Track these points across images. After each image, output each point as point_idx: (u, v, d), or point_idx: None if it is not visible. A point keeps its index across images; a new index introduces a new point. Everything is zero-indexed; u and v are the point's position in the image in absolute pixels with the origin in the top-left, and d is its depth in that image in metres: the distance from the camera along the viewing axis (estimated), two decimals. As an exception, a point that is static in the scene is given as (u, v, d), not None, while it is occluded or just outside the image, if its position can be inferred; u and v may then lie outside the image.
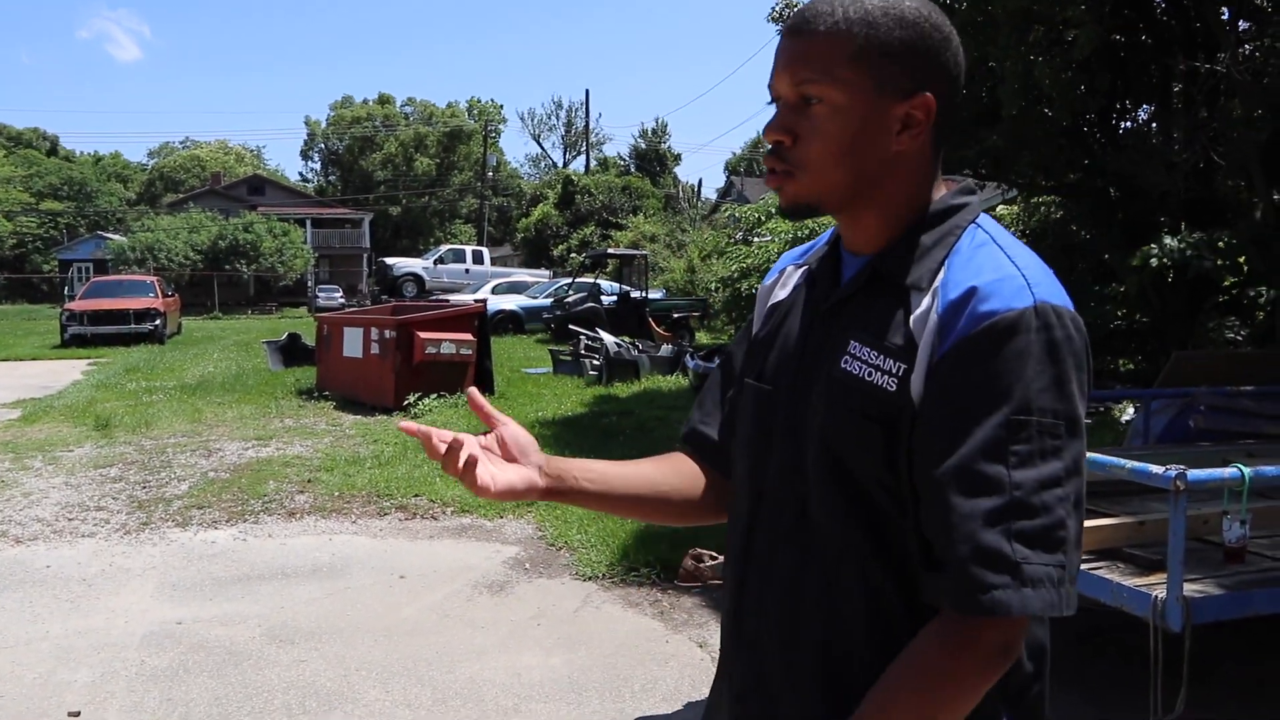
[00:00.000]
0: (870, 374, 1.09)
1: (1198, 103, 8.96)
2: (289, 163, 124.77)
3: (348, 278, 47.78)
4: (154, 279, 25.28)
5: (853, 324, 1.14)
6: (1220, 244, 7.63)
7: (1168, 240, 7.68)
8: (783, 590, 1.17)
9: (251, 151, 75.62)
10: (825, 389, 1.13)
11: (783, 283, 1.32)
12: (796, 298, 1.26)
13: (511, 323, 23.75)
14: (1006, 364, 1.01)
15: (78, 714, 3.61)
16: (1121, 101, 9.94)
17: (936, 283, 1.09)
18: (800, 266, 1.31)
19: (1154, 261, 7.65)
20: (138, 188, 68.10)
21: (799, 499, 1.15)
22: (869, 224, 1.16)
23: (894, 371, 1.07)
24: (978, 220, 1.15)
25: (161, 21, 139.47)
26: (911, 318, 1.09)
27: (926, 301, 1.08)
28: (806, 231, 13.44)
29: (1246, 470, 3.07)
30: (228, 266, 40.39)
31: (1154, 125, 9.99)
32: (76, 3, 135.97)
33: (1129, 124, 10.33)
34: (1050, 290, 1.06)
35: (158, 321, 21.62)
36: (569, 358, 14.66)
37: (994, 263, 1.08)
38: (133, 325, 21.24)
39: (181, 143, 76.56)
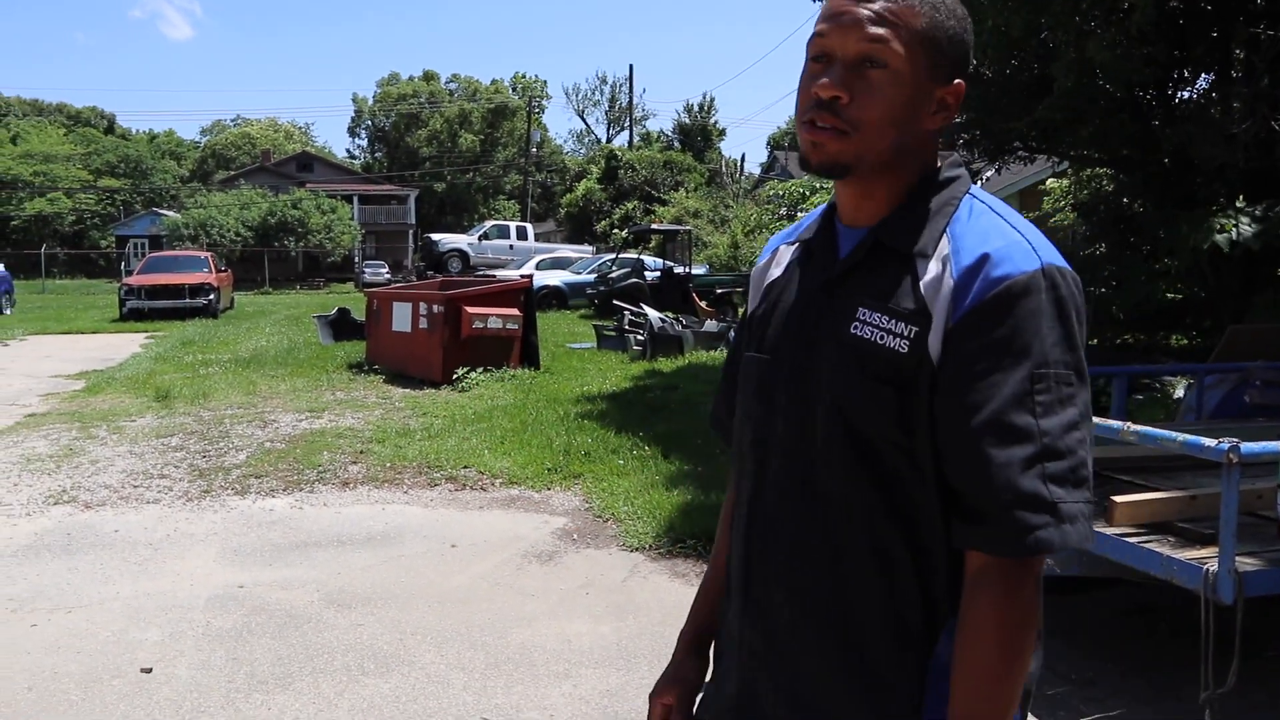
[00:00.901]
0: (882, 338, 1.15)
1: (1259, 71, 8.74)
2: (336, 140, 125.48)
3: (394, 253, 48.19)
4: (208, 255, 25.74)
5: (859, 291, 1.19)
6: (1269, 216, 7.46)
7: (1238, 220, 7.49)
8: (789, 553, 1.22)
9: (300, 129, 76.33)
10: (835, 354, 1.18)
11: (776, 261, 1.38)
12: (791, 274, 1.32)
13: (555, 298, 23.84)
14: (1023, 322, 1.09)
15: (150, 670, 3.77)
16: (1179, 71, 9.72)
17: (945, 251, 1.15)
18: (792, 244, 1.36)
19: (1220, 239, 7.50)
20: (191, 165, 69.15)
21: (805, 464, 1.20)
22: (879, 196, 1.22)
23: (905, 334, 1.14)
24: (971, 191, 1.22)
25: (213, 0, 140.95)
26: (921, 283, 1.15)
27: (935, 268, 1.15)
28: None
29: (1301, 444, 3.04)
30: (277, 243, 40.93)
31: (1213, 95, 9.76)
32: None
33: (1187, 94, 10.10)
34: (1052, 253, 1.15)
35: (211, 296, 22.05)
36: (613, 333, 14.71)
37: (999, 230, 1.16)
38: (188, 300, 21.71)
39: (233, 120, 77.39)
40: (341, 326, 15.70)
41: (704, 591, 1.51)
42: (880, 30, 1.14)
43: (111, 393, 10.68)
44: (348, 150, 72.04)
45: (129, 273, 27.19)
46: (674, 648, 1.51)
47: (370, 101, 66.66)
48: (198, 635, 4.14)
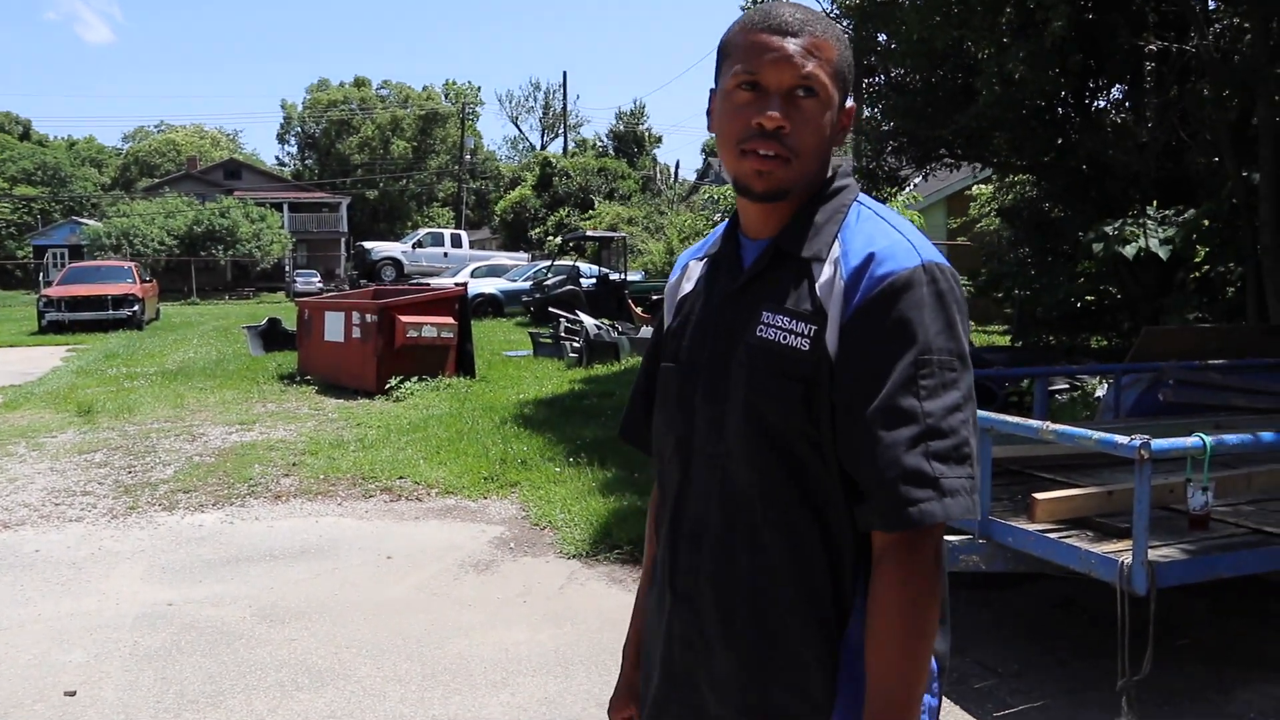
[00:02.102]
0: (785, 337, 1.24)
1: (1169, 82, 9.07)
2: (265, 147, 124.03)
3: (326, 262, 47.50)
4: (131, 265, 25.07)
5: (762, 297, 1.28)
6: (1186, 221, 7.74)
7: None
8: (712, 547, 1.30)
9: (227, 135, 74.83)
10: (744, 356, 1.27)
11: (687, 277, 1.46)
12: (701, 287, 1.41)
13: (491, 306, 23.73)
14: (907, 314, 1.19)
15: (74, 693, 3.68)
16: (1095, 81, 10.04)
17: (836, 254, 1.25)
18: (701, 260, 1.45)
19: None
20: (112, 172, 67.31)
21: (723, 462, 1.29)
22: (784, 210, 1.31)
23: (806, 333, 1.23)
24: (859, 198, 1.32)
25: (132, 2, 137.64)
26: (817, 285, 1.24)
27: (828, 270, 1.25)
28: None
29: (1208, 439, 3.18)
30: (204, 252, 40.09)
31: (1126, 105, 10.11)
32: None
33: (1102, 103, 10.44)
34: (931, 251, 1.24)
35: (136, 307, 21.49)
36: (549, 340, 14.70)
37: (883, 232, 1.26)
38: (111, 311, 21.13)
39: (156, 127, 75.65)
40: (272, 337, 15.45)
41: (640, 600, 1.57)
42: (810, 63, 1.24)
43: (30, 408, 10.37)
44: (277, 158, 70.97)
45: (48, 284, 26.39)
46: (620, 660, 1.58)
47: (300, 108, 65.63)
48: (124, 656, 4.05)
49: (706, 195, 25.67)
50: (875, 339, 1.19)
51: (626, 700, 1.54)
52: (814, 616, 1.24)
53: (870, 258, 1.22)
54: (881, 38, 10.19)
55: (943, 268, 1.23)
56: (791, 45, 1.24)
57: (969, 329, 1.25)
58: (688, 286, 1.44)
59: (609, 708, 1.56)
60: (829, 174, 1.34)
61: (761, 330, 1.26)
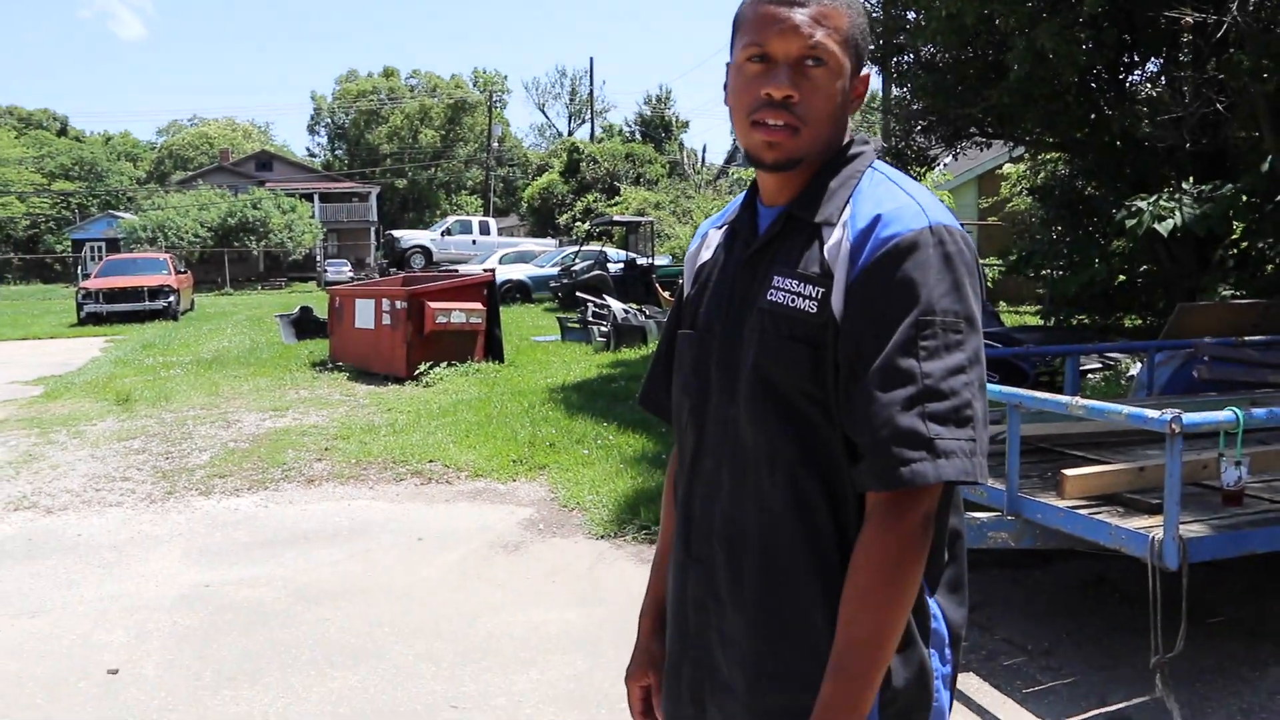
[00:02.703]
0: (793, 300, 1.24)
1: (1205, 55, 8.90)
2: (296, 138, 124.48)
3: (356, 251, 47.81)
4: (167, 256, 25.39)
5: (774, 262, 1.29)
6: (1222, 196, 7.59)
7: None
8: (725, 507, 1.31)
9: (259, 128, 75.48)
10: (756, 321, 1.28)
11: (706, 245, 1.48)
12: (719, 255, 1.42)
13: (519, 292, 23.81)
14: (910, 275, 1.19)
15: (116, 671, 3.76)
16: (1129, 56, 9.87)
17: (845, 217, 1.25)
18: (720, 229, 1.46)
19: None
20: (147, 166, 68.08)
21: (734, 425, 1.30)
22: (801, 177, 1.31)
23: (814, 295, 1.23)
24: (874, 164, 1.31)
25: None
26: (825, 248, 1.25)
27: (837, 234, 1.25)
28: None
29: (1240, 413, 3.14)
30: (237, 243, 40.46)
31: (1161, 79, 9.93)
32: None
33: (1136, 78, 10.27)
34: (941, 213, 1.24)
35: (171, 298, 21.78)
36: (577, 325, 14.74)
37: (891, 195, 1.26)
38: (147, 303, 21.42)
39: (189, 120, 76.32)
40: (304, 325, 15.59)
41: (656, 568, 1.58)
42: (818, 32, 1.25)
43: (71, 398, 10.55)
44: (307, 149, 71.52)
45: (86, 276, 26.78)
46: (638, 629, 1.58)
47: (329, 99, 66.03)
48: (164, 635, 4.13)
49: (736, 177, 25.56)
50: (878, 300, 1.19)
51: (645, 668, 1.54)
52: (821, 578, 1.24)
53: (877, 220, 1.22)
54: (911, 15, 10.08)
55: (952, 230, 1.22)
56: (799, 15, 1.25)
57: (981, 293, 1.24)
58: (706, 255, 1.46)
59: (626, 676, 1.57)
60: (845, 140, 1.33)
61: (772, 294, 1.27)
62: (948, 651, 1.29)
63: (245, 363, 13.01)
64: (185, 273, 25.68)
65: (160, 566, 5.02)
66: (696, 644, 1.36)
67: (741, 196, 1.44)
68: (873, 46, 10.48)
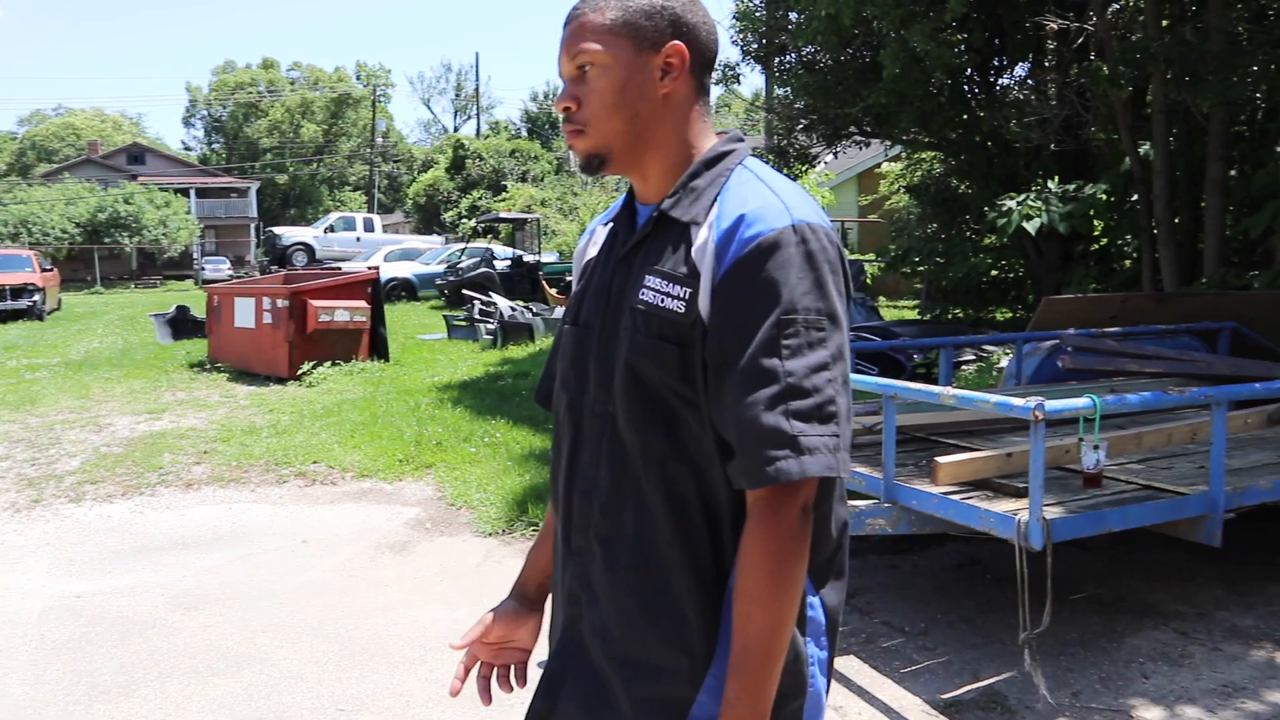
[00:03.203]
0: (663, 300, 1.27)
1: (1068, 60, 9.36)
2: (170, 131, 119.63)
3: (235, 248, 46.26)
4: (30, 253, 24.13)
5: (646, 262, 1.32)
6: (1085, 197, 7.99)
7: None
8: (602, 502, 1.33)
9: (130, 119, 72.15)
10: (629, 319, 1.30)
11: (593, 241, 1.50)
12: (603, 252, 1.45)
13: (405, 290, 23.46)
14: (772, 275, 1.21)
15: (-24, 688, 3.57)
16: (998, 59, 10.30)
17: (711, 217, 1.28)
18: (607, 225, 1.49)
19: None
20: (8, 158, 64.33)
21: (610, 420, 1.32)
22: (653, 173, 1.36)
23: (681, 296, 1.26)
24: (743, 161, 1.34)
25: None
26: (693, 249, 1.27)
27: (704, 234, 1.27)
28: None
29: (1098, 400, 3.32)
30: (108, 239, 38.73)
31: (1028, 82, 10.39)
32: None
33: (1006, 81, 10.72)
34: (806, 211, 1.25)
35: (36, 298, 20.79)
36: (463, 323, 14.61)
37: (757, 193, 1.28)
38: (9, 302, 20.41)
39: (54, 110, 72.56)
40: (181, 325, 15.06)
41: (531, 550, 1.62)
42: (579, 44, 1.31)
43: (-76, 403, 9.95)
44: (183, 142, 68.74)
45: (-59, 275, 25.24)
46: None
47: (205, 90, 63.74)
48: (31, 649, 3.94)
49: (619, 175, 25.65)
50: (742, 299, 1.21)
51: (492, 627, 1.55)
52: (693, 572, 1.27)
53: (740, 220, 1.24)
54: (793, 16, 10.31)
55: (815, 227, 1.24)
56: (564, 35, 1.33)
57: (845, 290, 1.27)
58: (592, 251, 1.48)
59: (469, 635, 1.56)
60: (694, 126, 1.35)
61: (643, 293, 1.29)
62: (823, 639, 1.33)
63: (118, 364, 12.49)
64: (51, 270, 24.50)
65: (26, 578, 4.79)
66: (571, 637, 1.37)
67: (625, 195, 1.46)
68: (756, 45, 10.66)
